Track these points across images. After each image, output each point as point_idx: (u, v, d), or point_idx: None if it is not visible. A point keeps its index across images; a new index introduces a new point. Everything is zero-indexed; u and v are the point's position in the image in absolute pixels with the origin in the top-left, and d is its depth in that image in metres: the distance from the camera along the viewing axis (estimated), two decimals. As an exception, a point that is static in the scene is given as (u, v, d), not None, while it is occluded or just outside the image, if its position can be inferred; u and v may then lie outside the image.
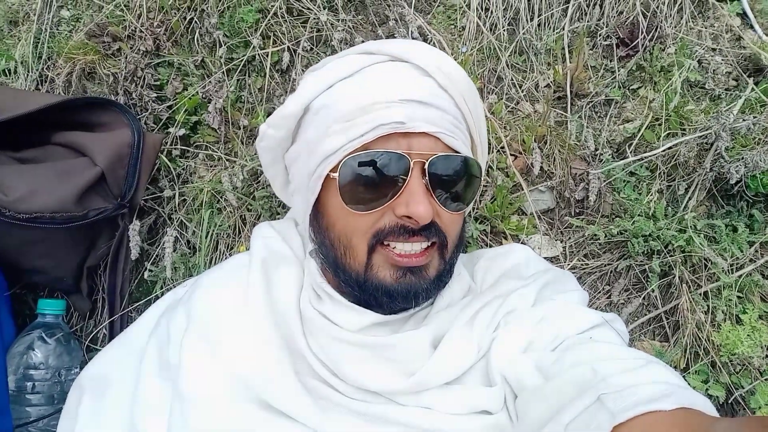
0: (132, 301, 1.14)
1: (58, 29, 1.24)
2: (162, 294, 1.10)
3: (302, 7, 1.15)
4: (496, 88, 1.17)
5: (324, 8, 1.16)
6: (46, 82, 1.22)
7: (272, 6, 1.13)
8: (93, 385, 0.83)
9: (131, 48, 1.15)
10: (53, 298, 1.12)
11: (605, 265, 1.08)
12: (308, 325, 0.77)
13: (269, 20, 1.14)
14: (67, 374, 1.05)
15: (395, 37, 1.15)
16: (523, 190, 1.08)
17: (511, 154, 1.10)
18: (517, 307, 0.77)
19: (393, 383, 0.71)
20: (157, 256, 1.14)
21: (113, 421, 0.78)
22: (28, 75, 1.20)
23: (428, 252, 0.72)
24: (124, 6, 1.16)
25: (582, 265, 1.09)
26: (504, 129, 1.12)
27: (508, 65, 1.16)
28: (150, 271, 1.12)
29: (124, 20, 1.16)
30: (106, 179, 0.99)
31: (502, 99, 1.15)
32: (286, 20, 1.15)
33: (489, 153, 1.10)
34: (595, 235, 1.05)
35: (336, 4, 1.16)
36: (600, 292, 1.09)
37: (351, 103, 0.72)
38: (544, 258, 1.08)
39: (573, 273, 1.08)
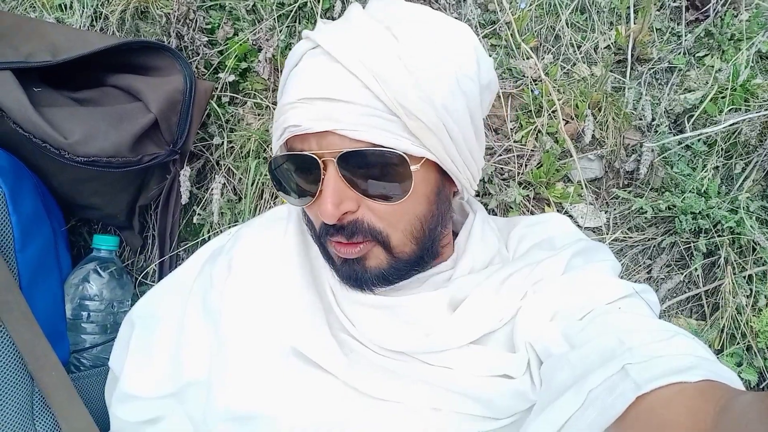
0: (180, 241, 1.19)
1: (112, -35, 1.23)
2: (209, 238, 1.14)
3: (357, -47, 1.11)
4: (553, 47, 1.12)
5: (380, -46, 1.12)
6: (100, 18, 1.22)
7: (327, -50, 1.10)
8: (143, 322, 0.90)
9: (184, -12, 1.14)
10: (107, 234, 1.17)
11: (649, 240, 1.06)
12: (335, 286, 0.79)
13: (323, -35, 1.10)
14: (119, 307, 1.11)
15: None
16: (571, 156, 1.06)
17: (562, 119, 1.07)
18: (546, 275, 0.75)
19: (410, 343, 0.72)
20: (205, 200, 1.17)
21: (160, 355, 0.85)
22: (83, 11, 1.21)
23: (361, 245, 0.69)
24: (178, -57, 1.14)
25: (625, 237, 1.07)
26: (557, 92, 1.08)
27: (567, 24, 1.11)
28: (198, 214, 1.15)
29: (178, -41, 1.14)
30: (159, 125, 1.01)
31: (558, 60, 1.11)
32: (340, -34, 1.11)
33: (539, 117, 1.07)
34: (642, 208, 1.03)
35: (392, -50, 1.11)
36: (641, 266, 1.08)
37: (279, 102, 0.71)
38: (587, 228, 1.08)
39: (615, 245, 1.07)
